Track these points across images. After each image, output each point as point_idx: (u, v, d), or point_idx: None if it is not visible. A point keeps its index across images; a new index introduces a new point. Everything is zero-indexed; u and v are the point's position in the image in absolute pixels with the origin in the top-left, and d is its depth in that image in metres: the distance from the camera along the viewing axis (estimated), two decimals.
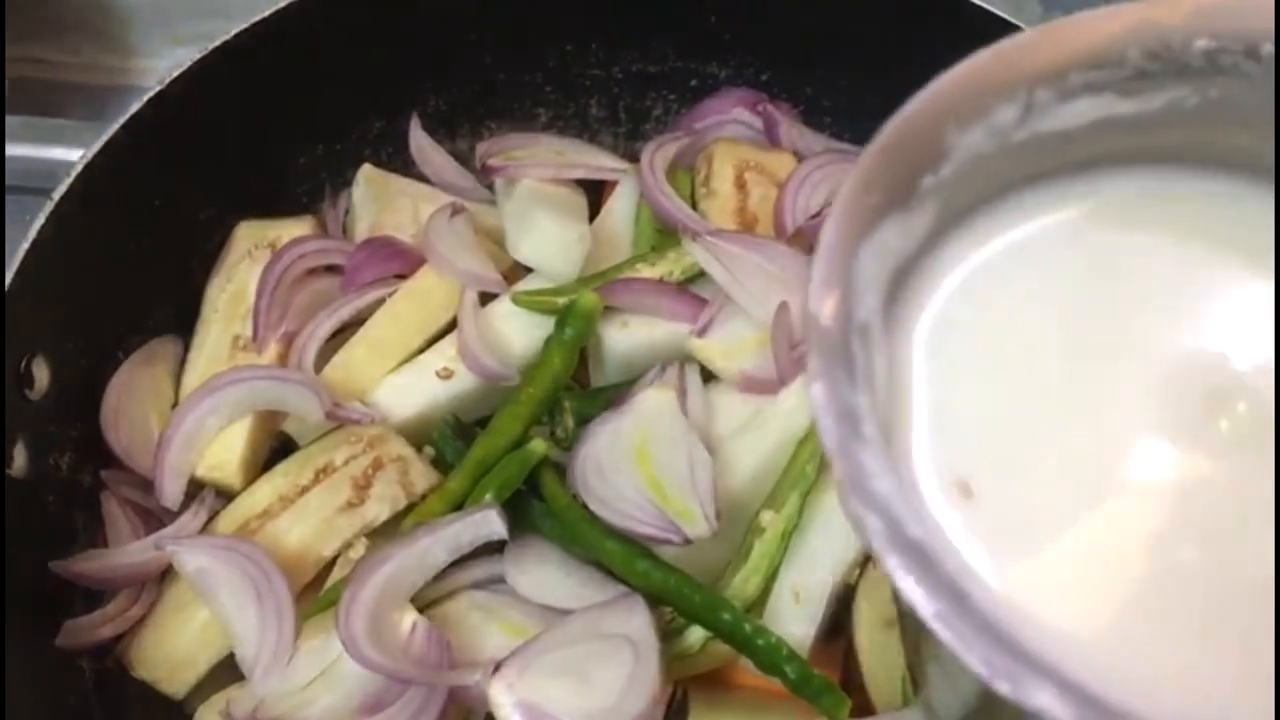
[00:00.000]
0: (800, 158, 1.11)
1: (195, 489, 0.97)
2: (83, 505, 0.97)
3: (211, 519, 0.96)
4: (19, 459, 0.90)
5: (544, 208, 1.04)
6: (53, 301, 0.93)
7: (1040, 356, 0.55)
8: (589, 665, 0.83)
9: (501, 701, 0.81)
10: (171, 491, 0.95)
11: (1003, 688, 0.42)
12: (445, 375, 1.00)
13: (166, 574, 0.95)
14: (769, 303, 0.97)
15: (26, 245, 0.89)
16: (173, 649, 0.92)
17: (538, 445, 0.94)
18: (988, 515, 0.50)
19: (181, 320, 1.05)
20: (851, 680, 0.93)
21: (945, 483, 0.51)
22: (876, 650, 0.91)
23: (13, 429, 0.89)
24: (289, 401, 0.96)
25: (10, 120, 1.30)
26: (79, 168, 0.92)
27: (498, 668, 0.82)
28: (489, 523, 0.89)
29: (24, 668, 0.87)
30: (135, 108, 0.95)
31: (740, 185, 1.10)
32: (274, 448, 1.02)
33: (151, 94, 0.96)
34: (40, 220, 0.90)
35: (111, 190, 0.95)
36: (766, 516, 0.92)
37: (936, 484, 0.51)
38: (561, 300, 1.01)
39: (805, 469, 0.92)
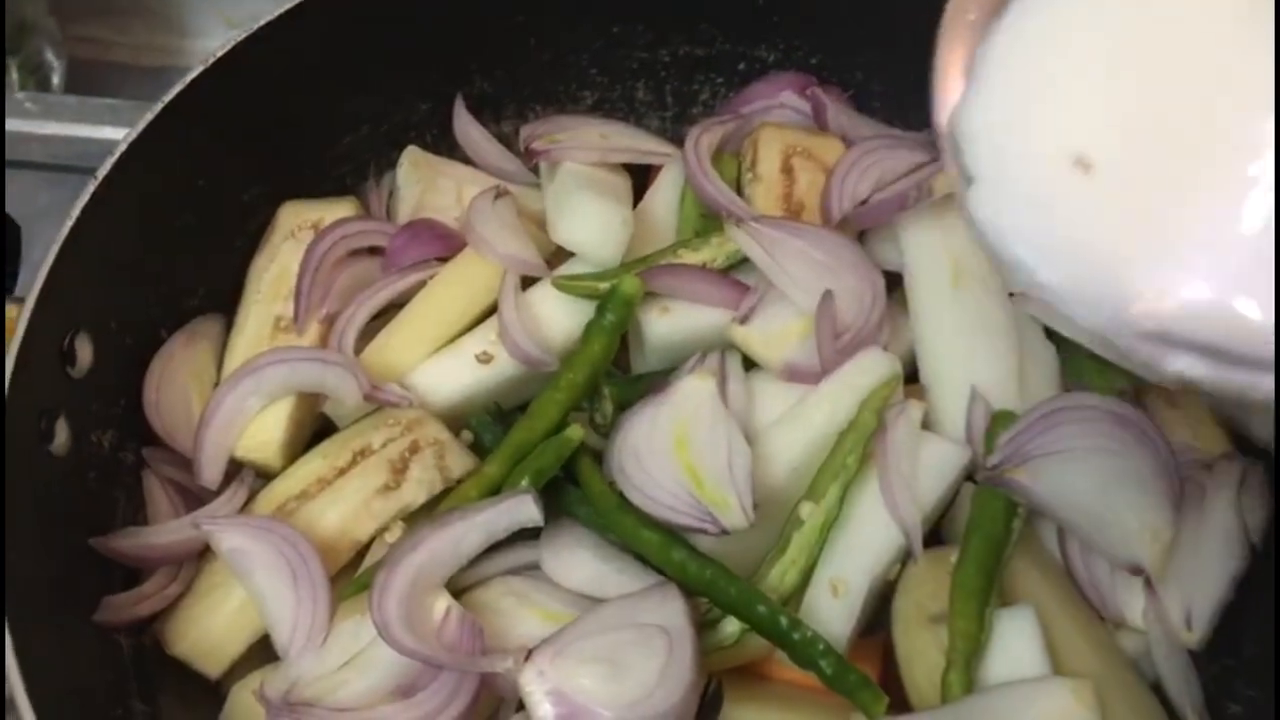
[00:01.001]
0: (849, 143, 1.09)
1: (235, 469, 0.97)
2: (123, 483, 0.98)
3: (250, 499, 0.96)
4: (61, 436, 0.90)
5: (587, 191, 1.03)
6: (96, 280, 0.93)
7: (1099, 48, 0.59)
8: (622, 654, 0.82)
9: (532, 689, 0.80)
10: (211, 470, 0.95)
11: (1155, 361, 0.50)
12: (484, 359, 1.00)
13: (205, 553, 0.95)
14: (813, 290, 0.96)
15: (70, 223, 0.89)
16: (209, 628, 0.92)
17: (575, 431, 0.93)
18: (1109, 187, 0.54)
19: (224, 300, 1.05)
20: (890, 677, 0.91)
21: (1062, 162, 0.55)
22: (915, 647, 0.90)
23: (55, 406, 0.90)
24: (328, 383, 0.96)
25: (65, 99, 1.31)
26: (123, 147, 0.93)
27: (529, 655, 0.82)
28: (525, 508, 0.88)
29: (62, 642, 0.88)
30: (178, 88, 0.95)
31: (787, 170, 1.08)
32: (315, 430, 1.02)
33: (195, 74, 0.96)
34: (83, 198, 0.90)
35: (155, 169, 0.95)
36: (806, 508, 0.90)
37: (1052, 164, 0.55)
38: (603, 285, 1.00)
39: (846, 461, 0.91)
